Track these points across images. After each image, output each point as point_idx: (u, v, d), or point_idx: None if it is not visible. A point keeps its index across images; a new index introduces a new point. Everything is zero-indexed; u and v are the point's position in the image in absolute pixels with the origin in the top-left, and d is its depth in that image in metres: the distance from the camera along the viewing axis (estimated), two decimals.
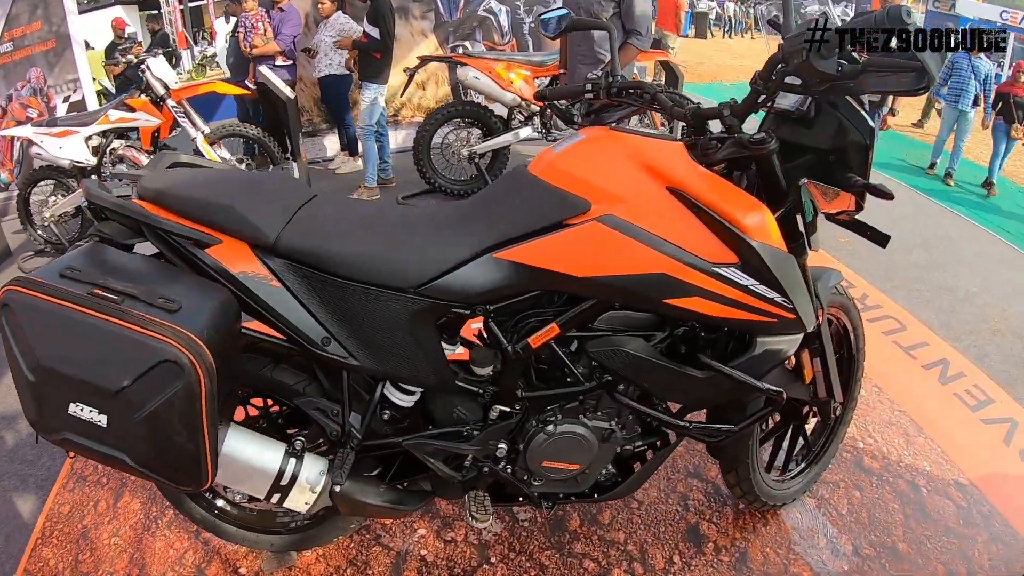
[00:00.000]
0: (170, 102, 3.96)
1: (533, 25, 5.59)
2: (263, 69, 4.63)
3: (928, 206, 4.68)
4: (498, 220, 1.16)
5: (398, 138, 5.55)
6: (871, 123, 1.15)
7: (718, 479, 1.83)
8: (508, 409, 1.28)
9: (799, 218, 1.21)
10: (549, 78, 4.11)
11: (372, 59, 4.37)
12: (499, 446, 1.29)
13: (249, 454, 1.24)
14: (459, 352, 1.30)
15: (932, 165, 5.96)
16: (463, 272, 1.13)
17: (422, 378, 1.21)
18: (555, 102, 1.48)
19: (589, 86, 1.34)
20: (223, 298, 1.07)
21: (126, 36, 6.63)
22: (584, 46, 3.03)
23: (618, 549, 1.69)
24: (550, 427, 1.27)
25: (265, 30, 4.83)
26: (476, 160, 4.31)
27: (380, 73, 4.40)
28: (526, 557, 1.66)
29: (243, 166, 4.35)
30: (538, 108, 4.12)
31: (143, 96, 4.01)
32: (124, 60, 4.26)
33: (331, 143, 5.66)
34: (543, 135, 4.24)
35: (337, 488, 1.25)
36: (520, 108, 4.17)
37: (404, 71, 4.57)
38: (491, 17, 5.62)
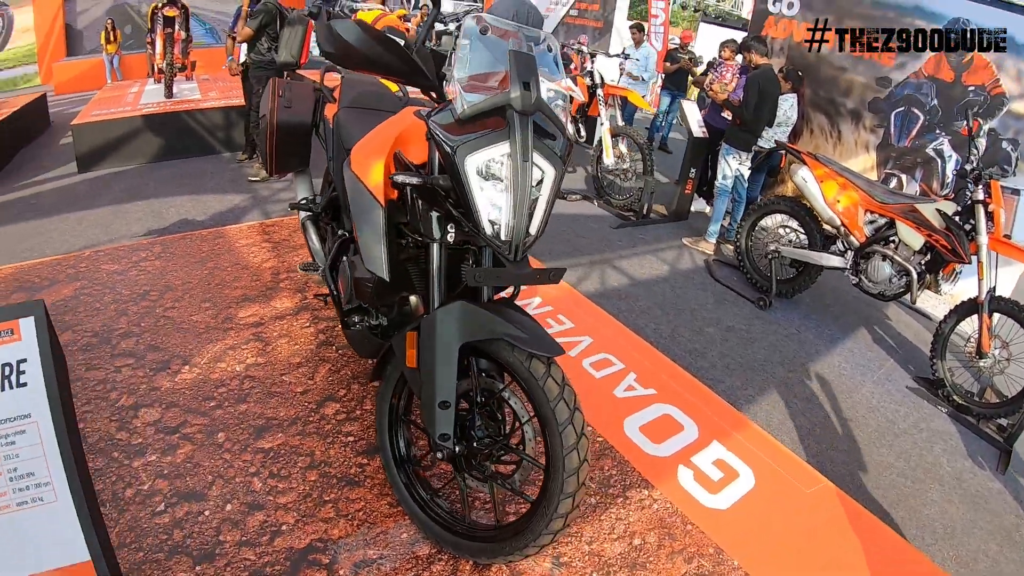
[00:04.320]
0: (599, 92, 5.62)
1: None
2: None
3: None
4: None
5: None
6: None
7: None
8: None
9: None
10: (887, 220, 3.69)
11: (735, 123, 4.69)
12: None
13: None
14: None
15: None
16: None
17: None
18: None
19: None
20: (308, 117, 2.68)
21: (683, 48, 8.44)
22: None
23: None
24: None
25: (732, 80, 5.56)
26: (772, 259, 4.18)
27: (741, 140, 4.66)
28: None
29: None
30: (858, 244, 3.75)
31: (572, 82, 6.25)
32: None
33: None
34: (849, 270, 3.85)
35: None
36: (841, 234, 3.83)
37: (754, 150, 4.70)
38: (937, 160, 5.15)
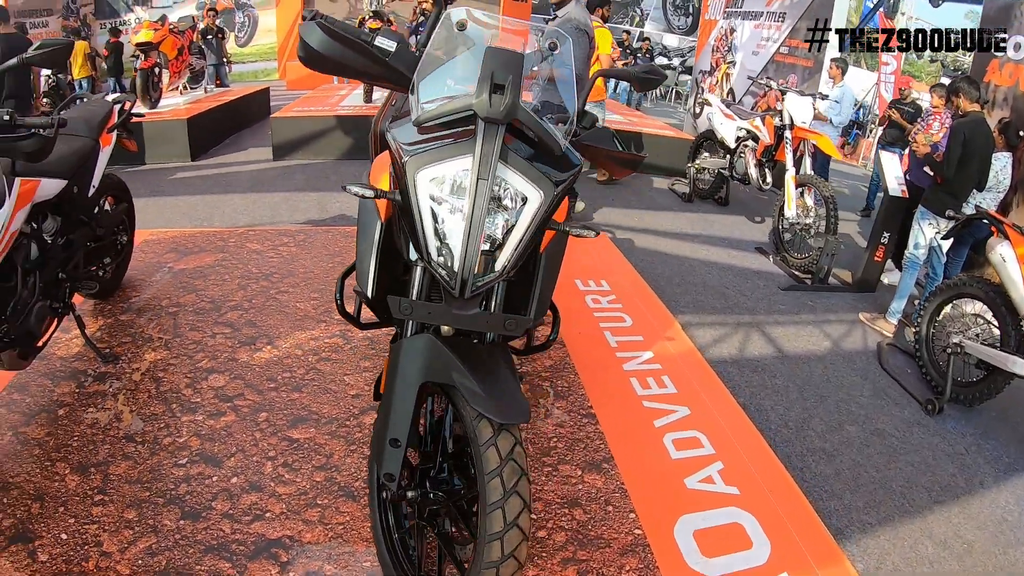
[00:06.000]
0: (787, 134, 5.35)
1: None
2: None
3: None
4: None
5: None
6: None
7: None
8: None
9: None
10: None
11: (936, 182, 4.00)
12: None
13: None
14: None
15: None
16: None
17: None
18: None
19: None
20: None
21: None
22: None
23: None
24: None
25: (939, 131, 4.85)
26: (953, 354, 3.46)
27: (939, 203, 3.93)
28: None
29: None
30: None
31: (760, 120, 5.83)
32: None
33: None
34: None
35: None
36: None
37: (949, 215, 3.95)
38: None
